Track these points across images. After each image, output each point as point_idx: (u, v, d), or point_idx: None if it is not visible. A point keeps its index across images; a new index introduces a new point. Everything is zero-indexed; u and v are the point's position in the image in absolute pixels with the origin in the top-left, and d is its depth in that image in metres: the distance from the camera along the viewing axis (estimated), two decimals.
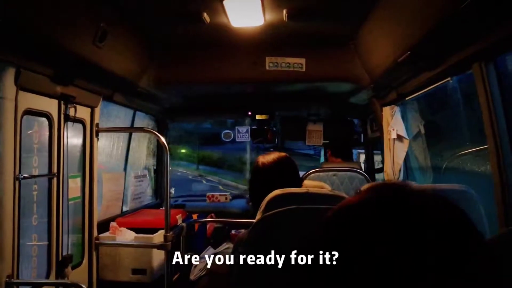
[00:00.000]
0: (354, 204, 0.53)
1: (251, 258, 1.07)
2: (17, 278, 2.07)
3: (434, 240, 0.47)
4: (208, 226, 4.11)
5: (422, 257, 0.45)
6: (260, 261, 1.06)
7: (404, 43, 2.24)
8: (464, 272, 0.46)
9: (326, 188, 2.23)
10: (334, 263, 0.49)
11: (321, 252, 0.52)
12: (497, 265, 0.50)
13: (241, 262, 1.08)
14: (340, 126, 4.80)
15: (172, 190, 4.79)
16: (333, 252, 0.50)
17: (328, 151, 4.27)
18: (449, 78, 2.34)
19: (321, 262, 0.51)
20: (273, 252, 1.02)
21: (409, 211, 0.49)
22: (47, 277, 2.43)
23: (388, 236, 0.47)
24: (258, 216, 1.52)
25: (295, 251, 0.57)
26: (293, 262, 0.57)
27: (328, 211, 0.55)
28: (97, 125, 2.96)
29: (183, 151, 18.66)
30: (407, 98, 3.06)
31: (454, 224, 0.50)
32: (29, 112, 2.21)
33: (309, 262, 0.53)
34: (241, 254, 1.10)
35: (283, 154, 2.03)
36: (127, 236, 3.12)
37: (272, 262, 1.00)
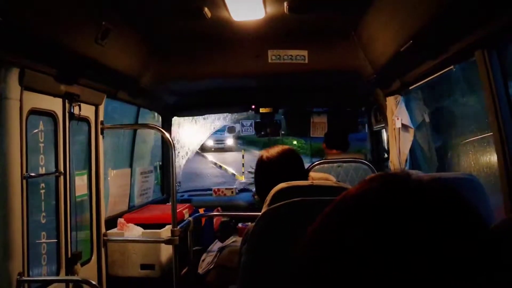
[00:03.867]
0: (356, 194, 0.53)
1: (257, 250, 1.08)
2: (28, 275, 2.10)
3: (439, 229, 0.47)
4: (215, 220, 4.13)
5: (426, 246, 0.46)
6: (266, 253, 1.08)
7: (406, 32, 2.23)
8: (471, 261, 0.46)
9: (331, 180, 2.24)
10: (337, 253, 0.49)
11: (323, 243, 0.52)
12: (505, 252, 0.51)
13: (248, 255, 1.09)
14: (344, 117, 4.79)
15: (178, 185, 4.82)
16: (335, 242, 0.50)
17: (323, 144, 4.22)
18: (452, 67, 2.33)
19: (323, 253, 0.51)
20: (279, 244, 1.03)
21: (412, 200, 0.50)
22: (57, 274, 2.46)
23: (391, 226, 0.47)
24: (264, 209, 1.53)
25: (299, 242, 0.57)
26: (298, 254, 0.57)
27: (331, 202, 0.55)
28: (101, 122, 2.97)
29: (294, 143, 18.31)
30: (410, 87, 3.05)
31: (459, 213, 0.50)
32: (34, 111, 2.23)
33: (312, 253, 0.53)
34: (247, 247, 1.11)
35: (286, 147, 2.04)
36: (134, 232, 3.14)
37: (279, 255, 1.01)
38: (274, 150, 1.98)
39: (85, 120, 2.82)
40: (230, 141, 21.01)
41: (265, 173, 1.96)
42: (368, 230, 0.48)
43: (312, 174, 2.45)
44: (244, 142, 20.83)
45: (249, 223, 3.84)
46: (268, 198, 1.54)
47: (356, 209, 0.51)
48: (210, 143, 20.71)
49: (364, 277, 0.46)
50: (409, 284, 0.45)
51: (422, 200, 0.50)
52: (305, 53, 3.24)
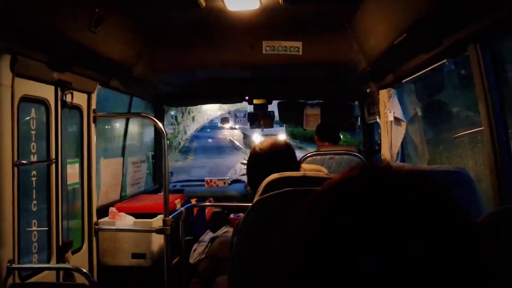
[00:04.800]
0: (337, 182, 0.55)
1: (248, 240, 1.09)
2: (18, 263, 2.10)
3: (413, 217, 0.48)
4: (206, 210, 4.13)
5: (401, 234, 0.46)
6: (257, 242, 1.08)
7: (400, 25, 2.23)
8: (442, 249, 0.47)
9: (323, 172, 2.25)
10: (319, 237, 0.51)
11: (308, 228, 0.53)
12: (484, 242, 0.51)
13: (239, 245, 1.10)
14: (337, 110, 4.80)
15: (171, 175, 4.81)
16: (316, 229, 0.52)
17: (315, 136, 4.26)
18: (444, 61, 2.34)
19: (307, 241, 0.52)
20: (270, 233, 1.04)
21: (388, 188, 0.51)
22: (48, 262, 2.46)
23: (365, 213, 0.48)
24: (256, 199, 1.53)
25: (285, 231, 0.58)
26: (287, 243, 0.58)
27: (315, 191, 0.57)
28: (94, 111, 2.96)
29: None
30: (403, 81, 3.06)
31: (435, 202, 0.50)
32: (26, 98, 2.21)
33: (297, 242, 0.54)
34: (238, 236, 1.12)
35: (279, 139, 2.05)
36: (126, 221, 3.14)
37: (270, 244, 1.02)
38: (267, 142, 1.99)
39: (77, 108, 2.80)
40: (283, 138, 19.07)
41: (258, 164, 1.97)
42: (345, 215, 0.50)
43: (304, 165, 2.46)
44: (295, 138, 19.12)
45: (241, 214, 3.85)
46: (260, 188, 1.54)
47: (336, 196, 0.53)
48: (258, 139, 19.45)
49: (335, 262, 0.48)
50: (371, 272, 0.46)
51: (396, 189, 0.51)
52: (299, 44, 3.23)
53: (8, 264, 2.00)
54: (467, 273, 0.47)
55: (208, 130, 27.12)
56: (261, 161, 1.95)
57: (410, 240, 0.47)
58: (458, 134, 2.72)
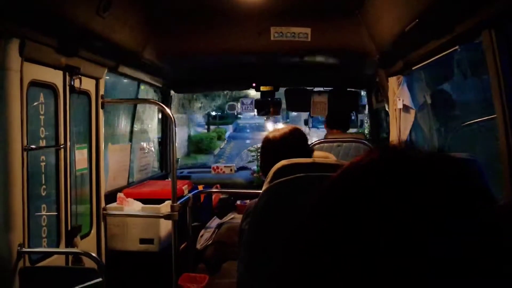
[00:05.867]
0: (358, 164, 0.53)
1: (259, 226, 1.09)
2: (28, 247, 2.11)
3: (439, 195, 0.46)
4: (213, 196, 4.15)
5: (427, 212, 0.45)
6: (270, 227, 1.08)
7: (412, 11, 2.19)
8: (467, 229, 0.46)
9: (332, 159, 2.24)
10: (340, 223, 0.49)
11: (327, 212, 0.52)
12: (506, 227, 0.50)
13: (250, 231, 1.10)
14: (345, 97, 4.77)
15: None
16: (339, 211, 0.50)
17: (324, 124, 4.24)
18: (457, 47, 2.30)
19: (326, 224, 0.51)
20: (282, 218, 1.04)
21: (413, 166, 0.49)
22: (57, 246, 2.48)
23: (391, 191, 0.47)
24: (265, 186, 1.53)
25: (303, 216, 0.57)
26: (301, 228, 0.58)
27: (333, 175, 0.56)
28: (102, 96, 2.95)
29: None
30: (413, 68, 3.02)
31: (462, 182, 0.49)
32: (35, 83, 2.21)
33: (315, 226, 0.53)
34: (251, 221, 1.12)
35: (293, 127, 2.06)
36: (134, 206, 3.16)
37: (282, 228, 1.02)
38: (282, 130, 2.01)
39: (86, 93, 2.80)
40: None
41: (271, 152, 1.97)
42: (370, 196, 0.48)
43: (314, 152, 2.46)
44: None
45: (247, 201, 3.86)
46: (270, 175, 1.54)
47: (359, 177, 0.51)
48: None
49: (362, 242, 0.46)
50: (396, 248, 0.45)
51: (421, 168, 0.49)
52: (308, 30, 3.20)
53: (18, 248, 2.02)
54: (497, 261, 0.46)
55: (248, 130, 26.69)
56: (274, 148, 1.96)
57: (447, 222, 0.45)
58: (468, 122, 2.70)
